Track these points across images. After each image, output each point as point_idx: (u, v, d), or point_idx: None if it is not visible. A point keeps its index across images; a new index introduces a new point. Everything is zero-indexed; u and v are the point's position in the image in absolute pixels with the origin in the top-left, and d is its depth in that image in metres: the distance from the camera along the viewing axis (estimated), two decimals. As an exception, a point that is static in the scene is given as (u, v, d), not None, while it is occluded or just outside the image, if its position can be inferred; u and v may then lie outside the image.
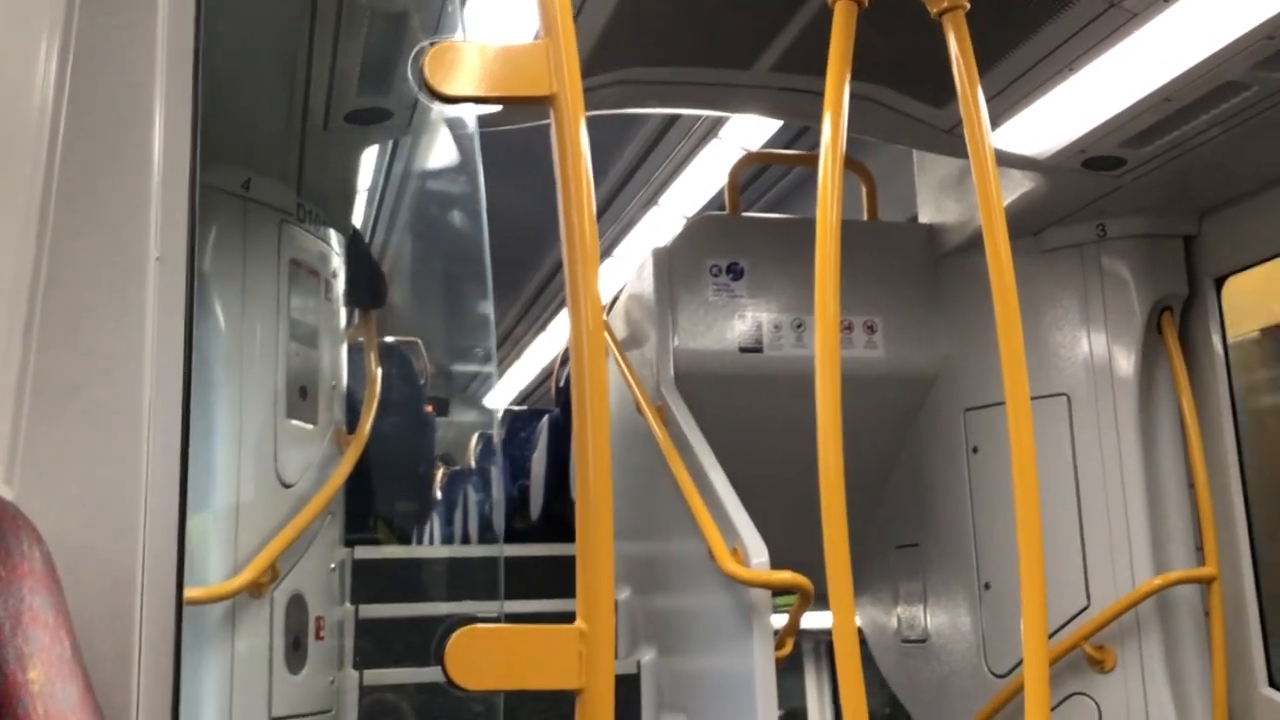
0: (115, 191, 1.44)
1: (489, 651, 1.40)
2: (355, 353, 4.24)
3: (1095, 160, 3.55)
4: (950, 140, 3.63)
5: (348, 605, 4.00)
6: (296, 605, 3.48)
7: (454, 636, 1.37)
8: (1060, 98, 3.28)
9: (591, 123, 1.65)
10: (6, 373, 1.29)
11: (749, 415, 4.17)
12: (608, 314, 4.64)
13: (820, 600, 2.74)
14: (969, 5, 2.54)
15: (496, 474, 7.05)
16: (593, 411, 1.51)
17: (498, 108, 3.19)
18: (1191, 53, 2.99)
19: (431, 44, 1.53)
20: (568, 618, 1.49)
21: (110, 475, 1.35)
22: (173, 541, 1.39)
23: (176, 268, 1.39)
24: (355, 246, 4.11)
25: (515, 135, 3.36)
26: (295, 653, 3.44)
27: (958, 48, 2.51)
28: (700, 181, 7.24)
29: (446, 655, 1.37)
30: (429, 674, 3.80)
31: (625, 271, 5.15)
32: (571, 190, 1.58)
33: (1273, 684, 3.68)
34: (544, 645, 1.42)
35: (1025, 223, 3.92)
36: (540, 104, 1.57)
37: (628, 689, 3.89)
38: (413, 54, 1.48)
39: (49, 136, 1.43)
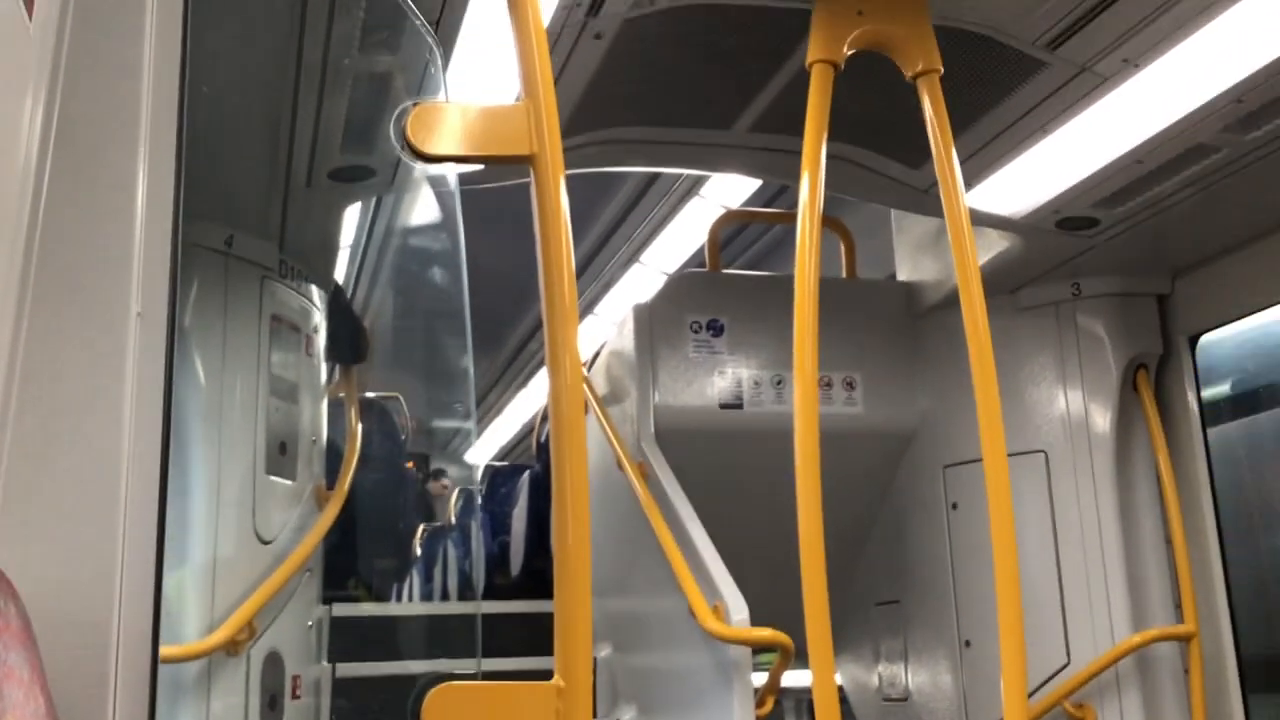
0: (97, 246, 1.45)
1: (466, 709, 1.40)
2: (336, 408, 4.23)
3: (1069, 220, 3.60)
4: (926, 200, 3.68)
5: (325, 663, 3.96)
6: (273, 663, 3.44)
7: (431, 693, 1.37)
8: (1034, 159, 3.33)
9: (572, 181, 1.67)
10: (-15, 428, 1.29)
11: (729, 471, 4.17)
12: (589, 370, 4.65)
13: (801, 658, 2.73)
14: (943, 70, 2.59)
15: (477, 530, 7.02)
16: (571, 467, 1.51)
17: (479, 166, 3.22)
18: (1162, 116, 3.05)
19: (414, 104, 1.56)
20: (547, 675, 1.48)
21: (87, 532, 1.35)
22: (149, 598, 1.38)
23: (157, 323, 1.40)
24: (337, 302, 4.12)
25: (496, 192, 3.39)
26: (271, 712, 3.40)
27: (932, 110, 2.56)
28: (681, 239, 7.30)
29: (424, 712, 1.36)
30: (407, 732, 3.76)
31: (606, 329, 5.17)
32: (551, 248, 1.60)
33: (1253, 741, 3.68)
34: (521, 702, 1.41)
35: (1001, 281, 3.97)
36: (521, 163, 1.60)
37: (607, 749, 3.85)
38: (396, 114, 1.50)
39: (32, 192, 1.44)
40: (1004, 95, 3.10)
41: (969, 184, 3.31)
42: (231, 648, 3.22)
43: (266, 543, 3.47)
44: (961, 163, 2.57)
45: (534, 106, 1.59)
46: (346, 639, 4.11)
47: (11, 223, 1.39)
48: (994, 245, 3.85)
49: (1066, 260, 3.89)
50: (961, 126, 3.10)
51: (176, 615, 3.17)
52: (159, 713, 1.39)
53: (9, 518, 1.31)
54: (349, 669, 3.97)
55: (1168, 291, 4.00)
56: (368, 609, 4.86)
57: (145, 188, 1.50)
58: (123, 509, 1.34)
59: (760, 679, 3.38)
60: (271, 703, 3.41)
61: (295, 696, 3.54)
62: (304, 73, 2.85)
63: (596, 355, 4.73)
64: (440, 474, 8.46)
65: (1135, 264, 3.91)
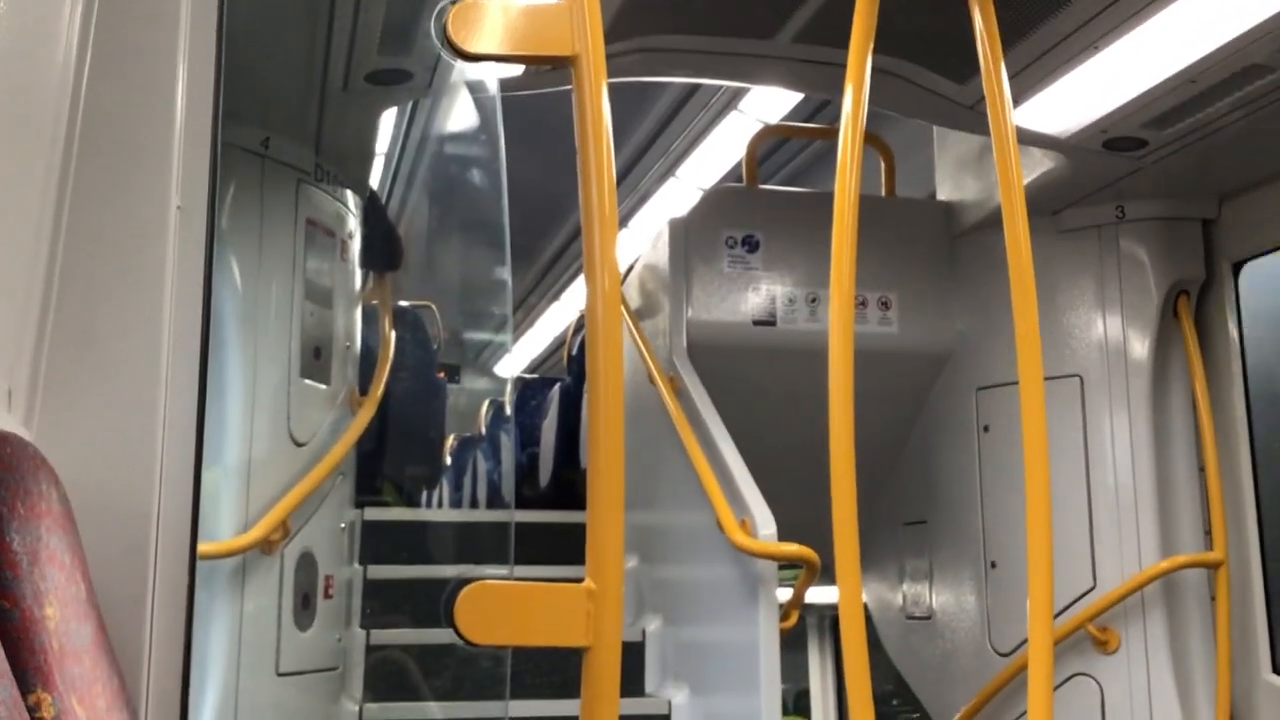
0: (137, 142, 1.45)
1: (498, 607, 1.41)
2: (369, 315, 4.25)
3: (1116, 141, 3.53)
4: (971, 116, 3.61)
5: (356, 565, 4.03)
6: (306, 563, 3.50)
7: (464, 591, 1.38)
8: (1083, 77, 3.26)
9: (610, 92, 1.65)
10: (27, 317, 1.30)
11: (761, 388, 4.17)
12: (623, 283, 4.64)
13: (826, 574, 2.75)
14: (995, -21, 2.52)
15: (507, 441, 7.07)
16: (606, 374, 1.51)
17: (519, 70, 3.18)
18: (1217, 34, 2.96)
19: (454, 1, 1.53)
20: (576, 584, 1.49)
21: (128, 423, 1.36)
22: (188, 491, 1.40)
23: (197, 217, 1.40)
24: (372, 208, 4.12)
25: (533, 103, 3.35)
26: (304, 610, 3.47)
27: (982, 23, 2.49)
28: (718, 154, 7.21)
29: (456, 609, 1.38)
30: (435, 635, 3.83)
31: (640, 243, 5.14)
32: (591, 154, 1.58)
33: (1276, 670, 3.69)
34: (552, 603, 1.43)
35: (1044, 202, 3.91)
36: (562, 64, 1.57)
37: (632, 657, 3.91)
38: (436, 10, 1.48)
39: (72, 87, 1.43)
40: (1056, 9, 3.02)
41: (1016, 101, 3.24)
42: (266, 546, 3.28)
43: (301, 445, 3.51)
44: (1009, 79, 2.51)
45: (577, 6, 1.56)
46: (377, 543, 4.18)
47: (51, 118, 1.39)
48: (1038, 165, 3.78)
49: (1112, 182, 3.82)
50: (1011, 41, 3.02)
51: (212, 513, 3.23)
52: (195, 608, 1.41)
53: (52, 408, 1.32)
54: (380, 570, 4.04)
55: (1214, 216, 3.93)
56: (399, 514, 4.93)
57: (185, 84, 1.50)
58: (163, 400, 1.35)
59: (785, 594, 3.42)
60: (305, 601, 3.47)
61: (328, 596, 3.61)
62: (342, -28, 2.81)
63: (630, 269, 4.71)
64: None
65: (1182, 187, 3.84)
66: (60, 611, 1.09)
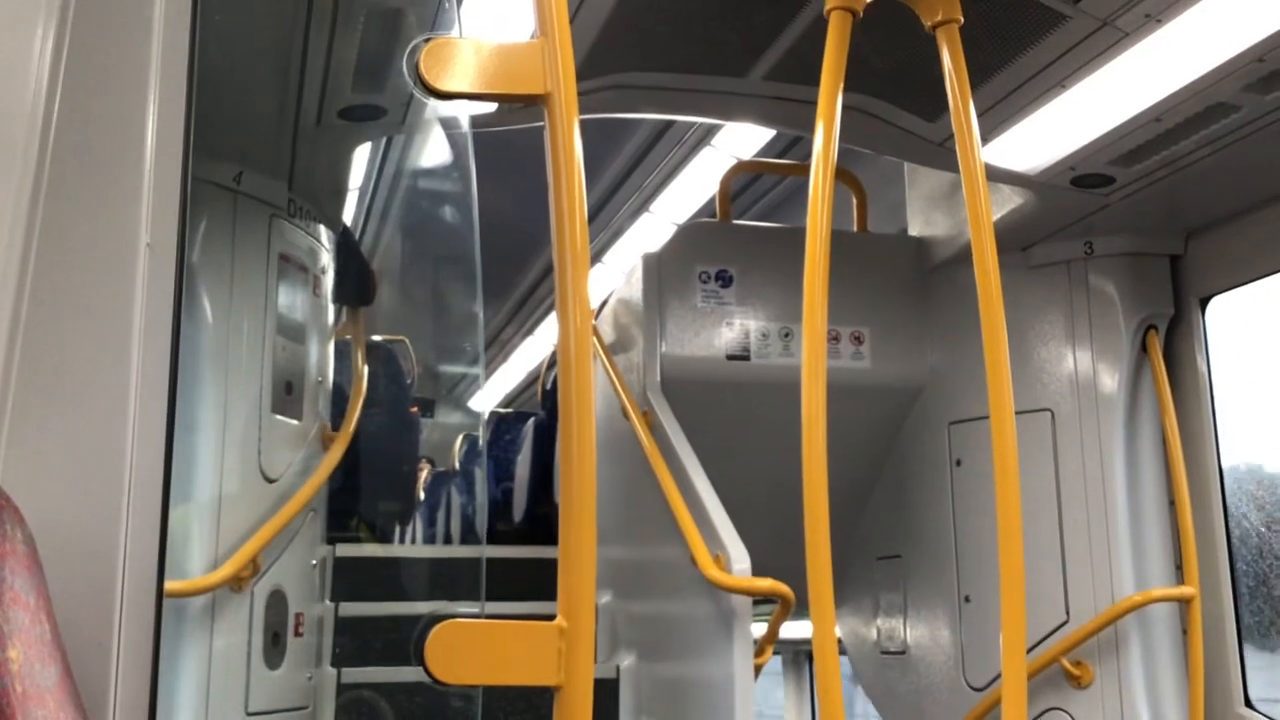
0: (107, 178, 1.44)
1: (469, 646, 1.40)
2: (342, 350, 4.23)
3: (1084, 178, 3.57)
4: (941, 154, 3.65)
5: (327, 603, 3.99)
6: (277, 600, 3.46)
7: (435, 630, 1.37)
8: (1051, 114, 3.30)
9: (583, 128, 1.65)
10: (-7, 355, 1.29)
11: (734, 423, 4.18)
12: (596, 319, 4.65)
13: (800, 609, 2.74)
14: (963, 20, 2.55)
15: (481, 476, 7.05)
16: (578, 409, 1.51)
17: (491, 108, 3.19)
18: (1182, 73, 3.01)
19: (427, 40, 1.54)
20: (548, 620, 1.49)
21: (94, 461, 1.35)
22: (155, 530, 1.39)
23: (167, 255, 1.39)
24: (345, 243, 4.11)
25: (505, 138, 3.36)
26: (274, 648, 3.43)
27: (951, 61, 2.52)
28: (691, 189, 7.26)
29: (427, 648, 1.37)
30: (407, 673, 3.79)
31: (614, 278, 5.16)
32: (563, 190, 1.58)
33: (1248, 704, 3.70)
34: (524, 641, 1.42)
35: (1014, 238, 3.94)
36: (534, 103, 1.58)
37: (606, 693, 3.88)
38: (409, 49, 1.48)
39: (42, 122, 1.43)
40: (1024, 48, 3.06)
41: (985, 138, 3.28)
42: (235, 584, 3.24)
43: (271, 481, 3.49)
44: (978, 116, 2.54)
45: (549, 45, 1.57)
46: (349, 580, 4.14)
47: (21, 151, 1.39)
48: (1007, 201, 3.82)
49: (1080, 218, 3.86)
50: (979, 79, 3.06)
51: (181, 550, 3.19)
52: (162, 647, 1.40)
53: (17, 446, 1.31)
54: (352, 608, 4.00)
55: (1181, 252, 3.98)
56: (371, 550, 4.89)
57: (156, 120, 1.49)
58: (130, 439, 1.34)
59: (759, 630, 3.40)
60: (275, 639, 3.43)
61: (298, 634, 3.57)
62: (315, 8, 2.82)
63: (604, 304, 4.72)
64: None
65: (1149, 223, 3.89)
66: (24, 653, 1.08)
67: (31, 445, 1.32)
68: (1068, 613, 3.84)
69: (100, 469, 1.34)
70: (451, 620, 1.39)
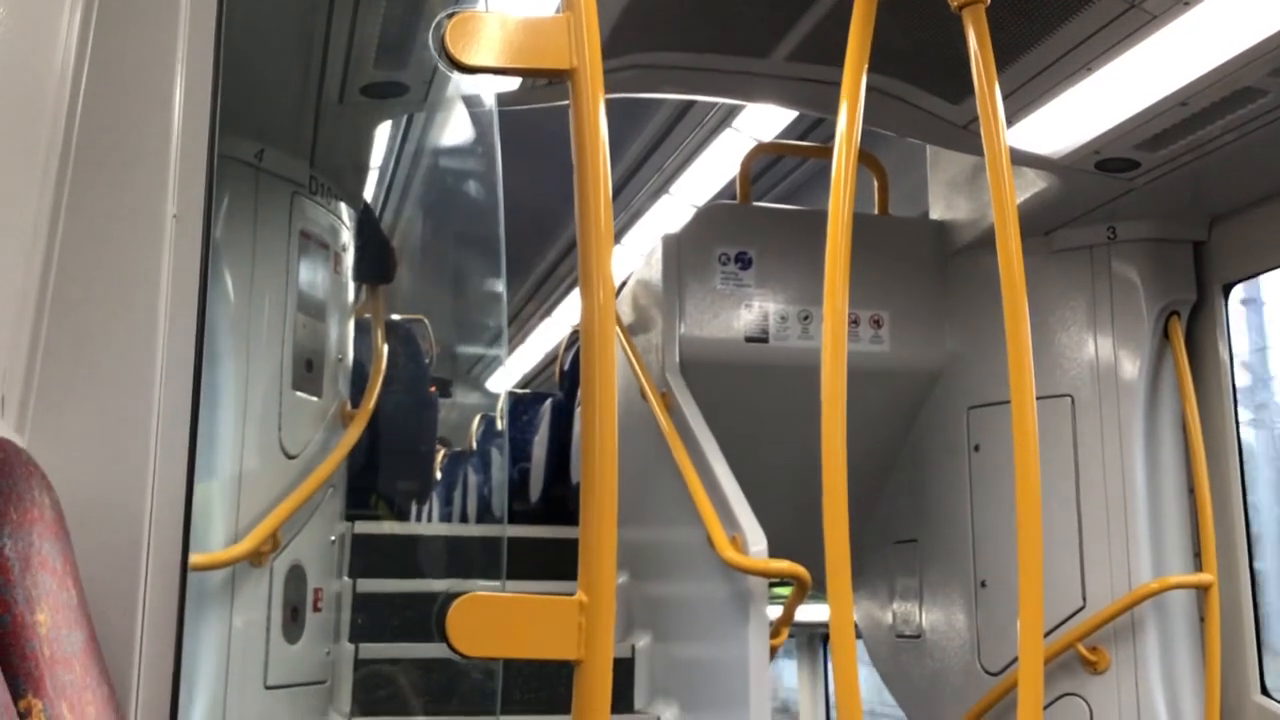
0: (134, 150, 1.45)
1: (490, 619, 1.41)
2: (362, 328, 4.25)
3: (1109, 162, 3.55)
4: (965, 136, 3.63)
5: (346, 579, 4.01)
6: (296, 576, 3.49)
7: (456, 603, 1.38)
8: (1076, 98, 3.27)
9: (604, 107, 1.65)
10: (22, 324, 1.30)
11: (752, 405, 4.17)
12: (616, 298, 4.64)
13: (816, 592, 2.74)
14: (989, 0, 2.53)
15: (498, 456, 7.07)
16: (601, 387, 1.51)
17: (515, 85, 3.19)
18: (1210, 57, 2.98)
19: (452, 14, 1.53)
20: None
21: (121, 430, 1.36)
22: (180, 498, 1.40)
23: (193, 226, 1.40)
24: (366, 221, 4.12)
25: (528, 118, 3.36)
26: (293, 623, 3.46)
27: (976, 43, 2.50)
28: (712, 171, 7.23)
29: (448, 621, 1.37)
30: (424, 649, 3.81)
31: (633, 260, 5.15)
32: (588, 167, 1.58)
33: (1265, 691, 3.69)
34: (544, 615, 1.43)
35: (1037, 222, 3.92)
36: (560, 78, 1.57)
37: (622, 673, 3.89)
38: (434, 23, 1.48)
39: (70, 96, 1.43)
40: (1050, 30, 3.04)
41: (1009, 121, 3.25)
42: (255, 558, 3.27)
43: (292, 457, 3.50)
44: (1003, 99, 2.52)
45: (575, 19, 1.56)
46: (367, 556, 4.17)
47: (49, 127, 1.39)
48: (1031, 185, 3.80)
49: (1104, 203, 3.83)
50: (1005, 61, 3.04)
51: (202, 525, 3.21)
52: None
53: (46, 414, 1.32)
54: (370, 584, 4.02)
55: (1204, 238, 3.95)
56: (389, 527, 4.92)
57: (182, 94, 1.50)
58: (157, 407, 1.35)
59: (775, 611, 3.41)
60: (294, 614, 3.46)
61: (316, 609, 3.59)
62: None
63: (623, 285, 4.72)
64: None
65: (1173, 209, 3.86)
66: (51, 617, 1.09)
67: (60, 414, 1.33)
68: (1084, 598, 3.83)
69: (127, 438, 1.35)
70: (473, 593, 1.40)
